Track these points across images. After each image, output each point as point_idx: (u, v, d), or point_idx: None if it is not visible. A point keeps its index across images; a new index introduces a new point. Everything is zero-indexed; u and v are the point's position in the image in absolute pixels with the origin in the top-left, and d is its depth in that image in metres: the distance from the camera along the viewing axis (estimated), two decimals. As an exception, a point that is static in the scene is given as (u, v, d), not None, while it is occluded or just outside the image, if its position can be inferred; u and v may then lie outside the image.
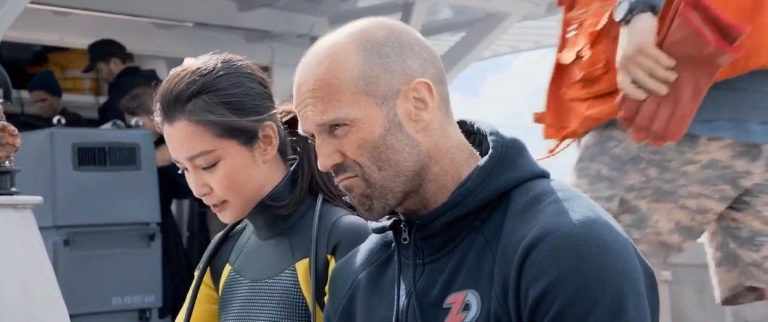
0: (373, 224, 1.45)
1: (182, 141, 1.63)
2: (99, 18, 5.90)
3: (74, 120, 5.79)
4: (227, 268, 1.78)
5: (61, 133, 4.09)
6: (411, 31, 1.40)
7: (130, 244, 4.20)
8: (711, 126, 2.22)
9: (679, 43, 2.01)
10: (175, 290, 4.74)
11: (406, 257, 1.42)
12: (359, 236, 1.57)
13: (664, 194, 2.26)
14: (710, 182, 2.26)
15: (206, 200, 1.67)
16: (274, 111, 1.71)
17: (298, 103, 1.38)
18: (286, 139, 1.72)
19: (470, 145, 1.41)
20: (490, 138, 1.39)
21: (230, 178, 1.64)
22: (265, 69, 3.14)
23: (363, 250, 1.52)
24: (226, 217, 1.69)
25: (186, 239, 5.69)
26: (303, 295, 1.63)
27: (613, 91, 2.16)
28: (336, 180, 1.39)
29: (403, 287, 1.41)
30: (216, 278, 1.81)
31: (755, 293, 2.50)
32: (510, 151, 1.38)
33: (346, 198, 1.43)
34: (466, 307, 1.32)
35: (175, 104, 1.63)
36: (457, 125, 1.42)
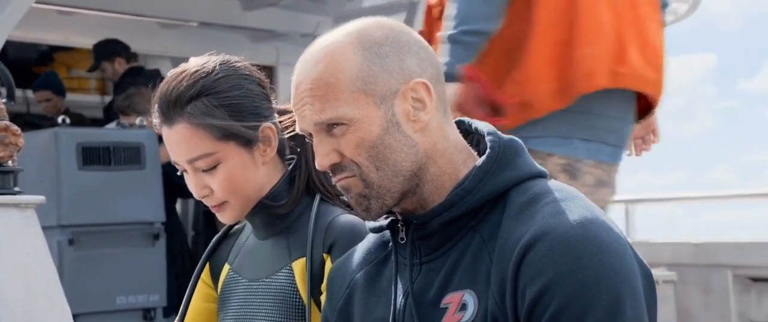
0: (370, 224, 1.45)
1: (182, 144, 1.63)
2: (104, 18, 5.90)
3: (78, 120, 5.79)
4: (226, 267, 1.78)
5: (65, 133, 4.09)
6: (410, 31, 1.40)
7: (134, 243, 4.20)
8: (545, 142, 2.52)
9: (462, 107, 2.38)
10: (179, 290, 4.73)
11: (403, 257, 1.42)
12: (355, 235, 1.57)
13: None
14: None
15: (206, 202, 1.67)
16: (274, 113, 1.71)
17: (296, 101, 1.38)
18: (284, 139, 1.72)
19: (468, 146, 1.41)
20: (487, 138, 1.39)
21: (230, 180, 1.64)
22: (270, 69, 3.14)
23: (360, 249, 1.52)
24: (225, 217, 1.69)
25: (191, 239, 5.70)
26: (299, 294, 1.63)
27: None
28: (333, 179, 1.39)
29: (400, 286, 1.41)
30: (215, 277, 1.81)
31: None
32: (508, 151, 1.38)
33: (344, 198, 1.43)
34: (463, 307, 1.32)
35: (174, 107, 1.62)
36: (454, 125, 1.42)
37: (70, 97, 6.25)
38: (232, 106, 1.64)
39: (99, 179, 4.10)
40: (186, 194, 5.26)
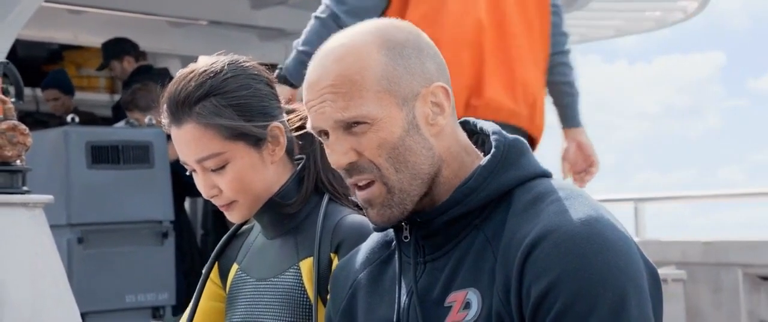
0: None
1: (191, 144, 1.63)
2: (113, 16, 5.91)
3: (89, 119, 5.80)
4: (234, 267, 1.78)
5: (75, 132, 4.09)
6: (424, 34, 1.40)
7: (143, 242, 4.19)
8: None
9: None
10: (188, 288, 4.74)
11: (407, 256, 1.41)
12: (362, 235, 1.56)
13: None
14: None
15: (215, 201, 1.67)
16: (283, 113, 1.71)
17: (313, 98, 1.35)
18: (293, 139, 1.72)
19: (474, 146, 1.41)
20: (492, 137, 1.39)
21: (239, 179, 1.64)
22: (279, 67, 3.15)
23: (364, 249, 1.52)
24: (234, 217, 1.70)
25: (200, 237, 5.70)
26: (307, 294, 1.63)
27: None
28: (349, 180, 1.37)
29: (404, 285, 1.41)
30: (223, 277, 1.81)
31: None
32: (513, 151, 1.38)
33: (353, 198, 1.42)
34: (467, 305, 1.31)
35: (183, 107, 1.62)
36: (460, 127, 1.42)
37: (80, 95, 6.26)
38: (241, 106, 1.64)
39: (108, 177, 4.09)
40: (195, 192, 5.28)
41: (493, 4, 2.91)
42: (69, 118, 4.21)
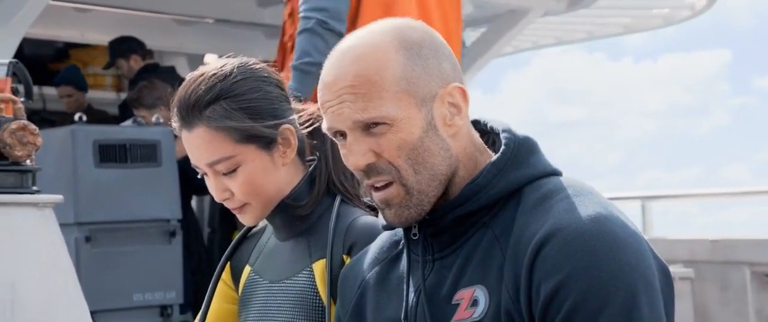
0: (383, 221, 1.43)
1: (202, 148, 1.62)
2: (120, 14, 5.90)
3: (102, 117, 5.79)
4: (247, 269, 1.78)
5: (82, 131, 4.09)
6: (437, 34, 1.39)
7: (151, 241, 4.19)
8: None
9: None
10: (195, 287, 4.74)
11: (415, 254, 1.41)
12: (375, 236, 1.56)
13: None
14: None
15: (227, 204, 1.67)
16: (293, 114, 1.70)
17: (330, 98, 1.33)
18: (304, 140, 1.71)
19: (486, 146, 1.41)
20: (502, 135, 1.39)
21: (251, 182, 1.63)
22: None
23: (372, 249, 1.52)
24: (247, 219, 1.69)
25: (207, 235, 5.70)
26: (319, 295, 1.62)
27: None
28: (366, 182, 1.36)
29: (412, 283, 1.40)
30: (236, 278, 1.81)
31: None
32: (522, 149, 1.37)
33: (365, 199, 1.41)
34: (474, 303, 1.31)
35: (193, 110, 1.62)
36: (473, 127, 1.41)
37: (87, 93, 6.26)
38: (251, 108, 1.63)
39: (115, 176, 4.09)
40: (202, 191, 5.29)
41: (423, 10, 3.19)
42: (77, 117, 4.21)
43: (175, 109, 1.64)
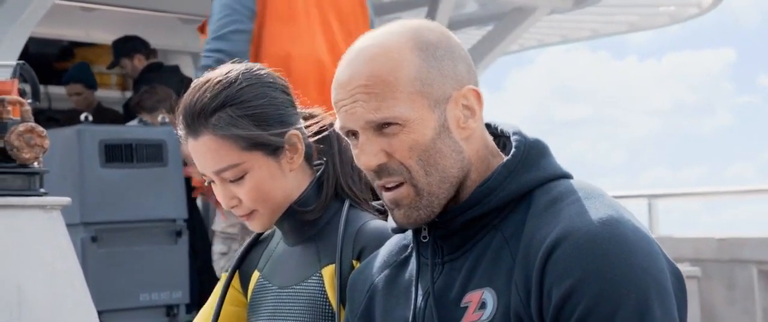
0: (393, 224, 1.42)
1: (208, 155, 1.61)
2: (124, 13, 5.90)
3: (113, 116, 5.77)
4: (256, 274, 1.77)
5: (88, 131, 4.09)
6: (453, 35, 1.39)
7: (157, 240, 4.19)
8: None
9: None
10: (201, 286, 4.74)
11: (425, 257, 1.40)
12: (385, 240, 1.55)
13: None
14: None
15: (235, 212, 1.66)
16: (300, 120, 1.69)
17: (344, 97, 1.33)
18: (311, 145, 1.70)
19: (498, 149, 1.40)
20: (513, 137, 1.38)
21: (258, 189, 1.62)
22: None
23: (381, 253, 1.51)
24: (255, 226, 1.68)
25: (211, 235, 5.69)
26: (329, 301, 1.62)
27: None
28: (377, 182, 1.35)
29: (420, 286, 1.39)
30: (244, 283, 1.80)
31: None
32: (533, 151, 1.36)
33: (374, 203, 1.40)
34: (483, 305, 1.30)
35: (199, 118, 1.61)
36: (486, 130, 1.40)
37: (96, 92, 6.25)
38: (257, 115, 1.62)
39: (121, 176, 4.09)
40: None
41: (330, 44, 3.36)
42: (82, 117, 4.21)
43: (181, 117, 1.63)
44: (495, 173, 1.34)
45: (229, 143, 1.60)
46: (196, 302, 4.53)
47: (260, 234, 1.81)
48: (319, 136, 1.70)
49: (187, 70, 5.86)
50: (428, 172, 1.32)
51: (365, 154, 1.33)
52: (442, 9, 5.55)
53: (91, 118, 4.24)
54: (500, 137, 1.43)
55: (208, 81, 1.64)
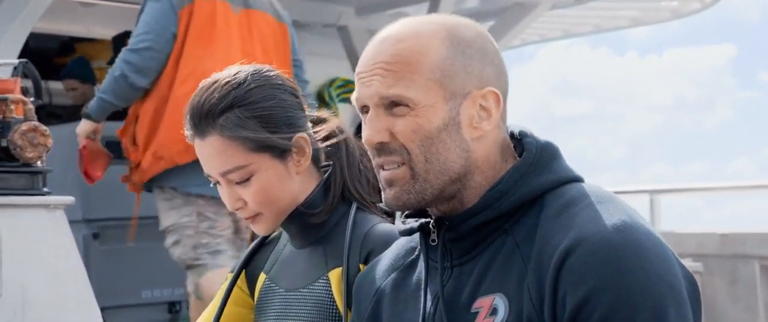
0: (400, 226, 1.42)
1: (214, 156, 1.60)
2: (125, 9, 5.87)
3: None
4: (262, 276, 1.76)
5: (89, 127, 4.07)
6: (494, 41, 1.39)
7: (159, 237, 4.17)
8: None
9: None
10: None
11: (433, 260, 1.39)
12: (392, 244, 1.54)
13: None
14: None
15: (240, 214, 1.65)
16: (308, 122, 1.68)
17: (365, 70, 1.34)
18: (318, 148, 1.69)
19: (514, 156, 1.39)
20: (524, 140, 1.37)
21: (265, 192, 1.61)
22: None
23: (387, 256, 1.51)
24: (260, 229, 1.67)
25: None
26: (336, 304, 1.61)
27: None
28: (377, 160, 1.36)
29: (430, 290, 1.38)
30: (251, 285, 1.79)
31: None
32: (544, 154, 1.36)
33: (381, 205, 1.40)
34: (494, 311, 1.29)
35: (206, 119, 1.60)
36: (508, 138, 1.39)
37: (94, 86, 6.24)
38: (265, 117, 1.61)
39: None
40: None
41: (249, 61, 3.51)
42: (83, 112, 4.19)
43: (188, 117, 1.62)
44: (506, 176, 1.33)
45: (236, 145, 1.59)
46: (198, 299, 4.53)
47: (267, 236, 1.80)
48: (328, 142, 1.69)
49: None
50: (428, 159, 1.32)
51: (370, 130, 1.34)
52: (444, 3, 5.54)
53: (92, 114, 4.22)
54: (514, 139, 1.42)
55: (216, 82, 1.63)
